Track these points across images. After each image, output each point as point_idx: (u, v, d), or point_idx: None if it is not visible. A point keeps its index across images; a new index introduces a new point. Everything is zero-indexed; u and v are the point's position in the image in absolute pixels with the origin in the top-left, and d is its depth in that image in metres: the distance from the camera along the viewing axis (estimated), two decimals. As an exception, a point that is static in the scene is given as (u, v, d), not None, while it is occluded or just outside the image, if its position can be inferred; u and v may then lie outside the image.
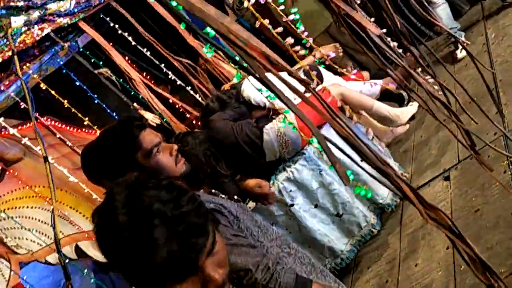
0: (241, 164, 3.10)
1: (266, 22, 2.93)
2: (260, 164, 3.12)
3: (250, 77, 3.42)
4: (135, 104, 4.46)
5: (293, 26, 3.30)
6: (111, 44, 3.96)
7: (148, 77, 4.54)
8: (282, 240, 1.62)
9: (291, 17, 2.98)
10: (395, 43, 3.90)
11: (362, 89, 3.57)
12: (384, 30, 3.80)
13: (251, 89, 3.39)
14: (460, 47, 4.09)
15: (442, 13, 4.02)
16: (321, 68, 3.77)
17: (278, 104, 3.28)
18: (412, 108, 3.59)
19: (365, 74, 4.04)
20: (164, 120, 3.99)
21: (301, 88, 3.41)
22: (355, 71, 4.13)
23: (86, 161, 2.36)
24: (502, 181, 2.54)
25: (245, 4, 3.01)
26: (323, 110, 1.16)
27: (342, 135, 1.17)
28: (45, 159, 2.02)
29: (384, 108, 3.49)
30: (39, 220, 4.38)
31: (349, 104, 3.27)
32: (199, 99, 4.30)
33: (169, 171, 1.47)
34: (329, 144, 1.32)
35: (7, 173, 4.24)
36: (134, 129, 1.50)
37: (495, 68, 3.36)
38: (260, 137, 3.09)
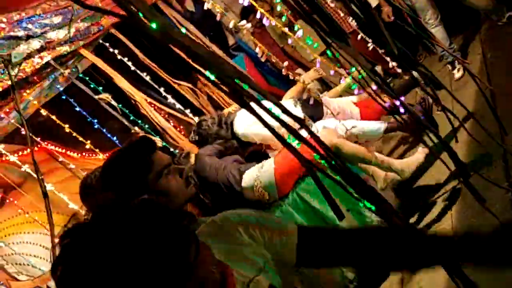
0: (222, 202, 3.11)
1: (263, 47, 2.95)
2: (239, 205, 3.13)
3: (241, 112, 3.44)
4: (136, 128, 4.48)
5: (298, 41, 3.27)
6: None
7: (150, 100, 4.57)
8: None
9: (289, 41, 2.98)
10: (394, 63, 3.94)
11: (365, 127, 3.37)
12: (383, 50, 3.86)
13: (242, 125, 3.40)
14: (457, 67, 4.12)
15: (438, 34, 4.05)
16: (328, 100, 3.65)
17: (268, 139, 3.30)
18: (417, 158, 3.22)
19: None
20: (164, 144, 4.01)
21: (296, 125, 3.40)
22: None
23: (86, 187, 2.35)
24: (502, 202, 2.52)
25: (243, 23, 3.02)
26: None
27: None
28: (44, 195, 2.02)
29: (387, 161, 3.16)
30: (40, 246, 4.36)
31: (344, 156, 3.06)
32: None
33: (179, 193, 1.46)
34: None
35: (7, 200, 4.24)
36: (145, 151, 1.49)
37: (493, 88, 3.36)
38: (239, 182, 3.08)
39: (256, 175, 3.06)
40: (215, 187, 3.12)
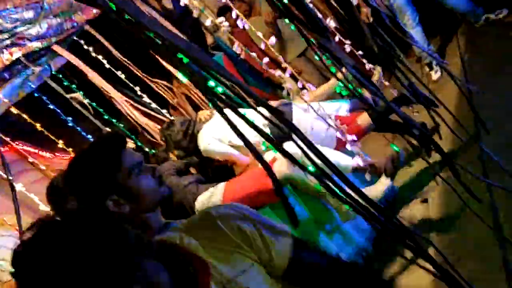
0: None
1: (241, 45, 2.88)
2: None
3: (208, 124, 3.31)
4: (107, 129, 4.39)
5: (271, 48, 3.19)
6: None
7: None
8: None
9: (263, 45, 2.91)
10: (372, 65, 3.92)
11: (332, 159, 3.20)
12: (361, 52, 3.83)
13: (204, 140, 3.27)
14: (435, 68, 4.13)
15: (416, 35, 4.06)
16: (302, 118, 3.30)
17: (234, 155, 3.21)
18: (381, 185, 3.17)
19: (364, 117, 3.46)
20: (139, 144, 3.93)
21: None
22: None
23: (53, 188, 2.26)
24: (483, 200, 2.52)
25: (220, 20, 2.93)
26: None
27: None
28: (12, 187, 1.93)
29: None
30: (9, 249, 4.23)
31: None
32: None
33: (150, 193, 1.37)
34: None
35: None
36: (114, 147, 1.37)
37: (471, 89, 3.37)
38: (192, 206, 3.01)
39: (209, 201, 2.98)
40: (171, 207, 3.04)
